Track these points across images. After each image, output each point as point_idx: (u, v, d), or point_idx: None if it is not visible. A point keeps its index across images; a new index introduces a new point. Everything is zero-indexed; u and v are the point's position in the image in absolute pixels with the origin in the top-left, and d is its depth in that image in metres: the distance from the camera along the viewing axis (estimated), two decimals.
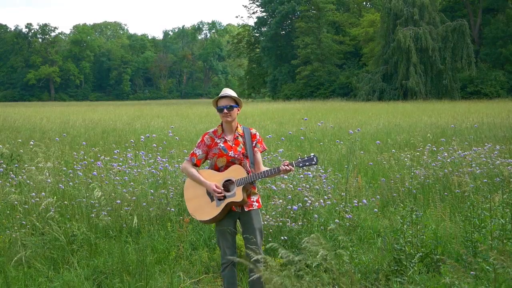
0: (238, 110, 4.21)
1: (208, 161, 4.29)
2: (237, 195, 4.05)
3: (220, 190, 4.06)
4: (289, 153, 9.77)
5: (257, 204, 4.22)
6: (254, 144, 4.24)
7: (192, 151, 4.29)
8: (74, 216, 6.06)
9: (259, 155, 4.25)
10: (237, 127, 4.26)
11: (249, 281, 4.12)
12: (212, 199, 4.12)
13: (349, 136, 10.42)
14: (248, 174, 4.12)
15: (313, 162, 4.12)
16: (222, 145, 4.18)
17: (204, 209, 4.14)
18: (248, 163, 4.18)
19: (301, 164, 4.14)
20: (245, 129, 4.26)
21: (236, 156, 4.16)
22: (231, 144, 4.18)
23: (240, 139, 4.22)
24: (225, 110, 4.13)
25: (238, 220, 4.25)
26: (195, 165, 4.24)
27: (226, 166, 4.16)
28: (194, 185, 4.21)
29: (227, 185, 4.11)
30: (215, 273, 5.14)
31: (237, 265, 4.36)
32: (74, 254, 5.39)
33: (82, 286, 4.75)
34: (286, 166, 4.04)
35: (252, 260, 3.60)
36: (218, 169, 4.19)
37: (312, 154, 4.20)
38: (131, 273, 4.94)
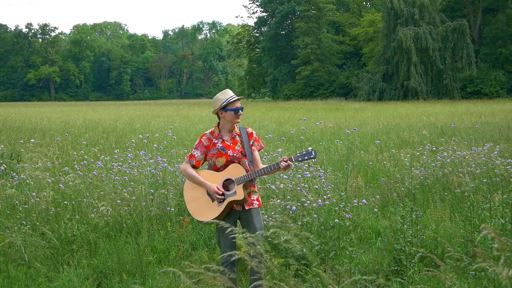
0: None
1: (208, 162, 4.29)
2: (238, 193, 4.05)
3: (221, 192, 4.07)
4: (288, 153, 9.76)
5: (257, 202, 4.22)
6: (251, 143, 4.26)
7: (190, 153, 4.28)
8: (74, 216, 6.06)
9: (257, 153, 4.27)
10: (234, 127, 4.27)
11: (250, 272, 4.21)
12: (213, 199, 4.12)
13: (348, 136, 10.42)
14: (247, 172, 4.12)
15: (312, 156, 4.10)
16: (220, 145, 4.18)
17: (205, 210, 4.13)
18: (247, 162, 4.19)
19: (300, 159, 4.13)
20: (241, 128, 4.27)
21: (235, 155, 4.16)
22: (229, 144, 4.19)
23: (238, 138, 4.23)
24: (240, 112, 4.17)
25: (238, 220, 4.24)
26: (194, 167, 4.23)
27: (225, 166, 4.16)
28: (194, 186, 4.20)
29: (227, 184, 4.11)
30: (215, 273, 5.12)
31: (236, 265, 4.36)
32: (74, 254, 5.39)
33: (82, 286, 4.75)
34: (285, 162, 4.04)
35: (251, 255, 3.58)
36: (218, 169, 4.19)
37: (310, 148, 4.18)
38: (131, 273, 4.94)
